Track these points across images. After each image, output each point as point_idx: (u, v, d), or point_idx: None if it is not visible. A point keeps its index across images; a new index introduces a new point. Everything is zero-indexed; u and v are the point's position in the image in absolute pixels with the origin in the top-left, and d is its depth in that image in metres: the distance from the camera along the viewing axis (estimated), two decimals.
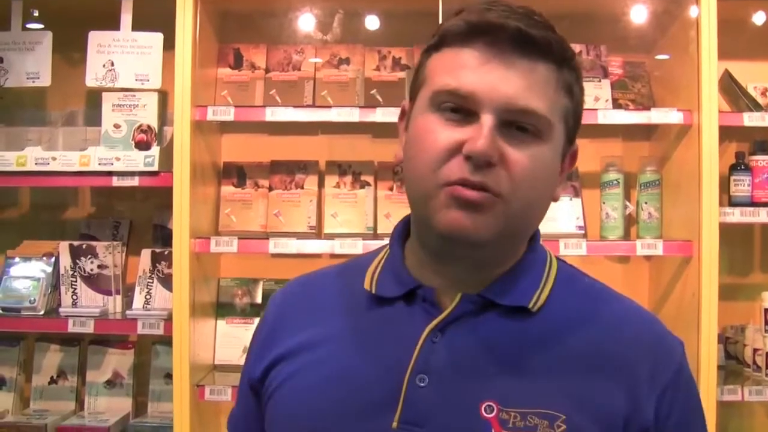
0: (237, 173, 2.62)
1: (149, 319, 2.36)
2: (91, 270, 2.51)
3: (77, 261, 2.51)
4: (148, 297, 2.49)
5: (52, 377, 2.57)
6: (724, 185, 2.45)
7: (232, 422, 1.16)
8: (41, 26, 2.52)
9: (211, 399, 2.31)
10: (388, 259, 1.05)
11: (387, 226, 2.49)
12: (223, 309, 2.62)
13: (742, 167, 2.48)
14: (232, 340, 2.57)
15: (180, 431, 2.26)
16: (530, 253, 1.02)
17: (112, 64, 2.41)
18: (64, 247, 2.53)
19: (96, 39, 2.42)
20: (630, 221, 2.60)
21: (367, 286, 1.03)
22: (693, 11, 2.34)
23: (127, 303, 2.52)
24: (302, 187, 2.59)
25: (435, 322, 0.96)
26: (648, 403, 0.94)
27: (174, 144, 2.31)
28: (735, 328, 2.57)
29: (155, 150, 2.37)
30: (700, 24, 2.29)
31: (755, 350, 2.43)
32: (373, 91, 2.55)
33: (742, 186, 2.46)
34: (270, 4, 2.64)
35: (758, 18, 2.59)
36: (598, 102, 2.49)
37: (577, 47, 2.50)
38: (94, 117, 2.54)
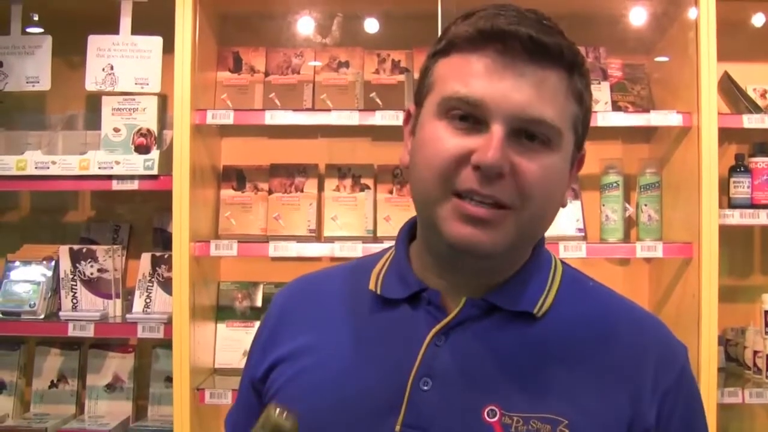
0: (237, 176, 2.62)
1: (149, 323, 2.36)
2: (91, 274, 2.51)
3: (77, 265, 2.51)
4: (148, 300, 2.49)
5: (52, 381, 2.56)
6: (724, 187, 2.46)
7: (231, 420, 1.15)
8: (41, 30, 2.52)
9: (212, 402, 2.31)
10: (394, 261, 1.05)
11: (387, 229, 2.49)
12: (223, 312, 2.62)
13: (742, 169, 2.48)
14: (233, 344, 2.57)
15: None
16: (535, 258, 1.02)
17: (112, 68, 2.41)
18: (64, 250, 2.53)
19: (95, 43, 2.42)
20: (630, 223, 2.60)
21: (372, 286, 1.02)
22: (692, 13, 2.34)
23: (127, 306, 2.52)
24: (302, 191, 2.59)
25: (439, 326, 0.96)
26: (650, 407, 0.94)
27: (174, 147, 2.31)
28: (735, 330, 2.57)
29: (155, 153, 2.37)
30: (699, 26, 2.29)
31: (755, 352, 2.43)
32: (373, 94, 2.55)
33: (741, 188, 2.46)
34: (269, 7, 2.64)
35: (757, 20, 2.59)
36: (598, 104, 2.49)
37: None
38: (93, 121, 2.54)
